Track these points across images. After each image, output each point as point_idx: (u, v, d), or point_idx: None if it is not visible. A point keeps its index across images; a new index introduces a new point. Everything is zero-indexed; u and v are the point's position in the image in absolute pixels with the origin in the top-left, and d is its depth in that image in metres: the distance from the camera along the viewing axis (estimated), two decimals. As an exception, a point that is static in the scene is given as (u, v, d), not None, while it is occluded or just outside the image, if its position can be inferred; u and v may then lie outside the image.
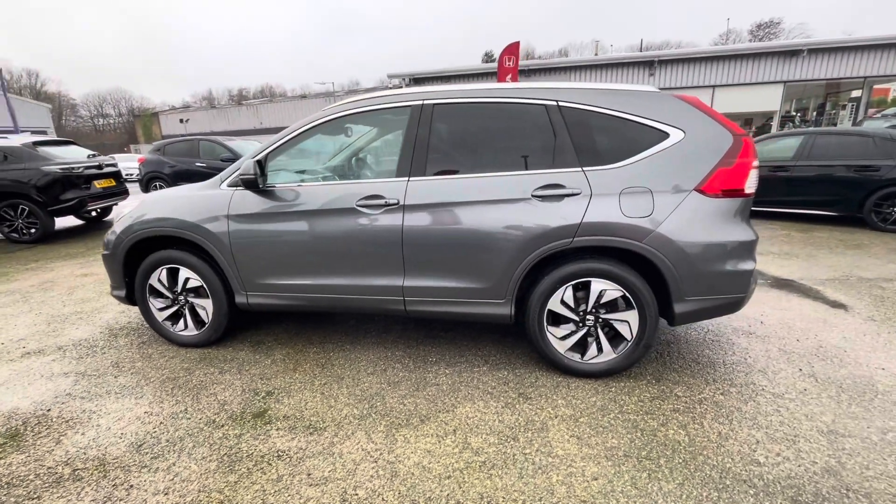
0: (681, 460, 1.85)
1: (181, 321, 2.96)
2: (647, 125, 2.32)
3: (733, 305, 2.38)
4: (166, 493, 1.73)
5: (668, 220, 2.24)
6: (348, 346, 2.98)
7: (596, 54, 30.64)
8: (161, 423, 2.19)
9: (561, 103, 2.39)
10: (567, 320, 2.47)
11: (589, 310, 2.42)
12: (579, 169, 2.33)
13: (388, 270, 2.56)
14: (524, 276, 2.41)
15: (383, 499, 1.69)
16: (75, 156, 6.84)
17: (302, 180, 2.78)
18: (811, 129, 7.46)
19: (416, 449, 1.96)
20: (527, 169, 2.41)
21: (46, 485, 1.80)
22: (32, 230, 6.38)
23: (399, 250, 2.51)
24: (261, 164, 2.59)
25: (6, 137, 6.53)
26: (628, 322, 2.39)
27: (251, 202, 2.66)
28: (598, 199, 2.29)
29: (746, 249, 2.31)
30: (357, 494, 1.71)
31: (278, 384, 2.52)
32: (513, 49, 16.81)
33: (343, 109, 2.65)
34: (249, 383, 2.53)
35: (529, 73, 22.61)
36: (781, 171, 6.62)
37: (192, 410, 2.28)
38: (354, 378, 2.57)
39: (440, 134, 2.53)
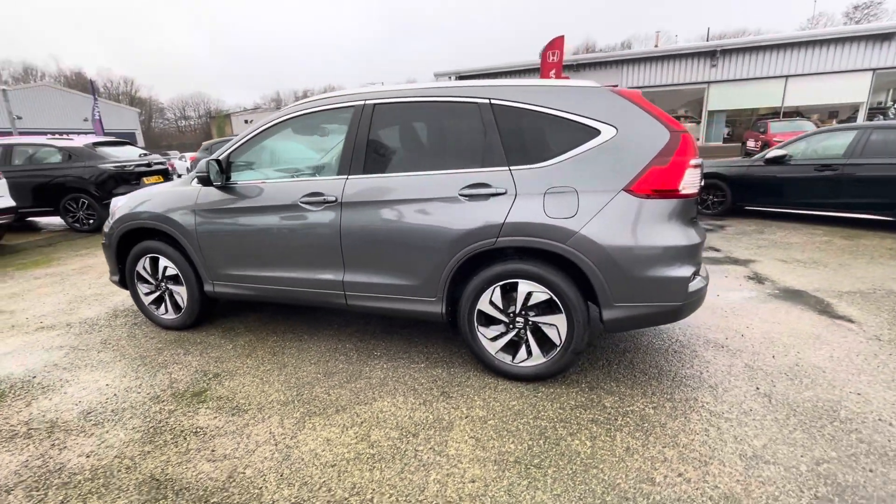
0: (570, 472, 1.79)
1: (163, 305, 3.26)
2: (577, 122, 2.23)
3: (669, 315, 2.23)
4: (88, 456, 1.95)
5: (593, 221, 2.14)
6: (305, 336, 3.13)
7: (656, 45, 28.88)
8: (115, 395, 2.45)
9: (493, 101, 2.36)
10: (497, 321, 2.44)
11: (518, 312, 2.37)
12: (506, 168, 2.29)
13: (329, 265, 2.66)
14: (453, 275, 2.41)
15: (265, 479, 1.79)
16: (129, 155, 7.66)
17: (266, 177, 2.95)
18: (866, 123, 6.61)
19: (318, 437, 2.05)
20: (459, 168, 2.40)
21: (3, 439, 2.09)
22: (91, 221, 7.23)
23: (338, 246, 2.60)
24: (219, 163, 2.79)
25: (71, 139, 7.44)
26: (556, 326, 2.31)
27: (213, 197, 2.87)
28: (523, 199, 2.24)
29: (681, 254, 2.15)
30: (244, 473, 1.83)
31: (228, 367, 2.71)
32: (556, 44, 16.31)
33: (297, 110, 2.79)
34: (204, 365, 2.75)
35: (578, 67, 21.88)
36: (829, 171, 5.95)
37: (145, 386, 2.53)
38: (296, 367, 2.70)
39: (378, 133, 2.58)
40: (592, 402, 2.26)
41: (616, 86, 2.33)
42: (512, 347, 2.44)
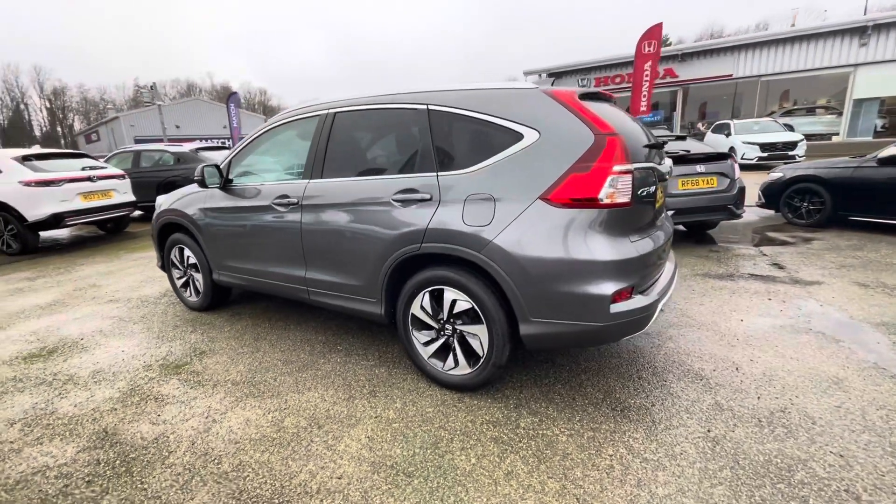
0: (434, 485, 1.76)
1: (188, 289, 3.81)
2: (503, 126, 2.13)
3: (590, 337, 2.02)
4: (74, 406, 2.43)
5: (507, 230, 2.04)
6: (292, 326, 3.42)
7: (793, 25, 24.81)
8: (122, 360, 2.96)
9: (430, 107, 2.36)
10: (429, 327, 2.44)
11: (446, 319, 2.35)
12: (434, 174, 2.28)
13: (294, 262, 2.90)
14: (388, 278, 2.47)
15: (179, 444, 2.06)
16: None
17: (254, 181, 3.29)
18: None
19: (241, 417, 2.27)
20: (397, 173, 2.45)
21: (34, 384, 2.68)
22: (192, 214, 8.61)
23: (300, 244, 2.82)
24: (218, 168, 3.19)
25: (181, 146, 8.91)
26: (479, 337, 2.25)
27: (216, 198, 3.29)
28: (445, 205, 2.21)
29: (602, 270, 1.94)
30: (167, 437, 2.12)
31: (214, 347, 3.10)
32: (653, 33, 14.94)
33: (279, 120, 3.08)
34: (198, 343, 3.18)
35: (684, 57, 19.80)
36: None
37: (146, 355, 3.02)
38: (266, 353, 2.99)
39: (336, 140, 2.73)
40: (508, 420, 2.15)
41: (559, 87, 2.18)
42: (443, 354, 2.42)
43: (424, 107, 2.38)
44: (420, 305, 2.40)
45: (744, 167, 12.89)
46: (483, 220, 2.10)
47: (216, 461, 1.95)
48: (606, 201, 1.93)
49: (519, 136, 2.09)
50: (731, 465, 1.79)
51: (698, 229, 6.20)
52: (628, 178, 1.95)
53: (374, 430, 2.11)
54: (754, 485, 1.69)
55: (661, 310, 2.28)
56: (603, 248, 1.95)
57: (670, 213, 5.02)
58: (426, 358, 2.47)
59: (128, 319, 3.70)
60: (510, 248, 2.03)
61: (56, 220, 6.34)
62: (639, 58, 15.01)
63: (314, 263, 2.80)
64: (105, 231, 8.20)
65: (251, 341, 3.17)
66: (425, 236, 2.25)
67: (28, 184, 6.22)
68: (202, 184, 3.20)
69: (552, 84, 22.10)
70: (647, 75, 14.73)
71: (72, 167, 6.78)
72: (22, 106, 63.45)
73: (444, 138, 2.30)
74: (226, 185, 3.24)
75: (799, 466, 1.77)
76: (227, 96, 22.91)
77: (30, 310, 4.06)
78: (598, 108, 2.11)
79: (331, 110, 2.77)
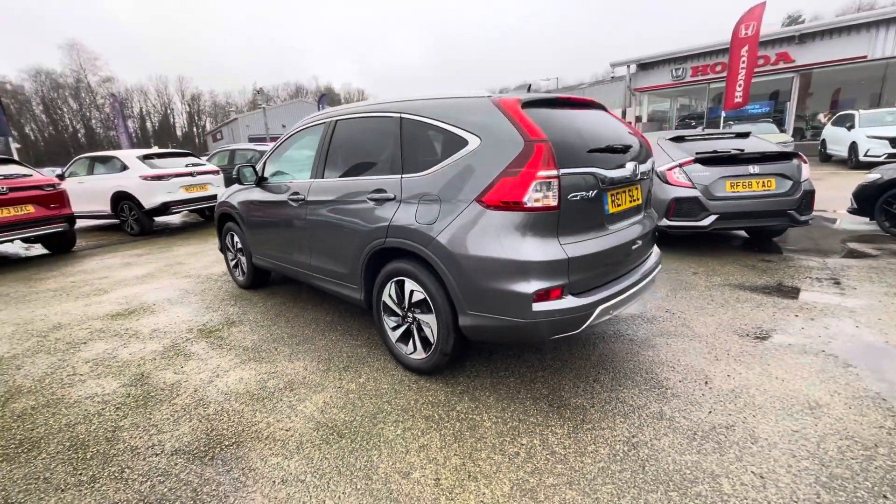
0: (355, 447, 2.03)
1: (238, 269, 4.51)
2: (454, 133, 2.32)
3: (516, 332, 2.14)
4: (129, 354, 3.11)
5: (447, 229, 2.23)
6: (310, 307, 3.90)
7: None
8: (175, 322, 3.67)
9: (402, 115, 2.61)
10: (396, 314, 2.70)
11: (407, 307, 2.60)
12: (399, 176, 2.54)
13: (303, 250, 3.34)
14: (365, 268, 2.78)
15: (185, 390, 2.59)
16: (302, 156, 10.00)
17: (284, 180, 3.80)
18: None
19: (239, 375, 2.75)
20: (373, 174, 2.74)
21: (110, 335, 3.46)
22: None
23: (306, 235, 3.25)
24: (253, 167, 3.75)
25: (267, 144, 10.11)
26: (430, 326, 2.46)
27: (253, 192, 3.87)
28: (404, 204, 2.46)
29: (525, 269, 2.04)
30: (180, 384, 2.67)
31: (244, 319, 3.68)
32: (754, 14, 13.29)
33: (300, 125, 3.54)
34: (233, 314, 3.79)
35: (803, 38, 17.28)
36: None
37: (191, 321, 3.69)
38: (280, 327, 3.48)
39: (335, 144, 3.10)
40: (447, 403, 2.35)
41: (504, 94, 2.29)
42: (406, 338, 2.68)
43: (399, 115, 2.63)
44: (388, 294, 2.68)
45: (865, 166, 11.03)
46: (430, 218, 2.31)
47: (205, 405, 2.43)
48: (532, 205, 2.03)
49: (465, 143, 2.26)
50: (633, 469, 1.82)
51: (760, 236, 5.61)
52: (555, 182, 2.02)
53: (333, 398, 2.45)
54: (646, 489, 1.71)
55: (611, 314, 2.30)
56: (527, 249, 2.05)
57: (712, 217, 4.68)
58: (394, 341, 2.75)
59: (191, 292, 4.49)
60: (449, 245, 2.22)
61: (164, 208, 7.70)
62: (735, 43, 13.49)
63: (315, 252, 3.21)
64: (204, 218, 9.68)
65: (273, 317, 3.71)
66: (388, 232, 2.52)
67: (146, 178, 7.62)
68: (238, 181, 3.80)
69: (633, 73, 20.37)
70: (744, 62, 13.22)
71: (178, 164, 8.15)
72: (168, 110, 75.27)
73: (410, 144, 2.54)
74: (260, 181, 3.80)
75: (706, 480, 1.74)
76: (319, 97, 25.01)
77: (129, 279, 5.09)
78: (540, 115, 2.19)
79: (334, 118, 3.14)
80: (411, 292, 2.52)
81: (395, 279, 2.61)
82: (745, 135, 5.58)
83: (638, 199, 2.64)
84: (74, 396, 2.59)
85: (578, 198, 2.12)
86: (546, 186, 2.02)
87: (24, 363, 3.05)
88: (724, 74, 18.51)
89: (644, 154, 2.69)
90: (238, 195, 4.14)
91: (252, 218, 3.92)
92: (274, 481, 1.85)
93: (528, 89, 2.80)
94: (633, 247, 2.46)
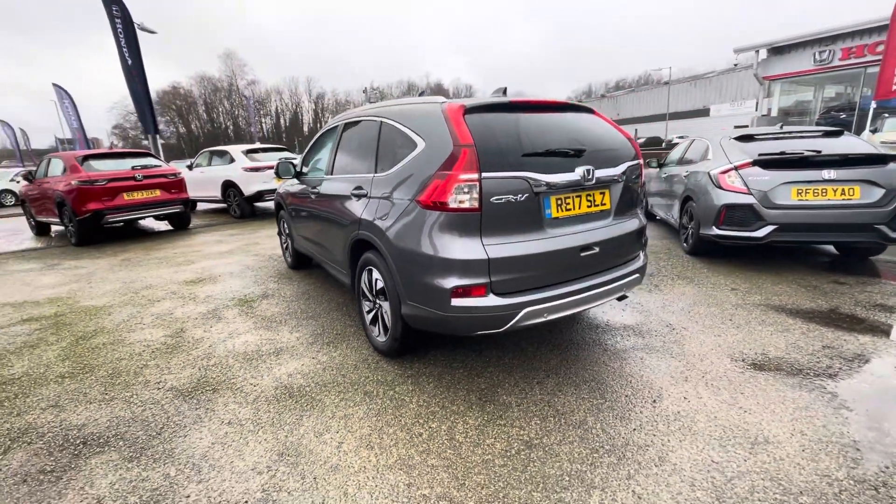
0: (299, 407, 2.38)
1: (287, 251, 5.19)
2: (410, 137, 2.52)
3: (442, 323, 2.28)
4: (182, 313, 3.87)
5: (394, 225, 2.46)
6: (335, 288, 4.38)
7: None
8: (224, 292, 4.41)
9: (382, 119, 2.87)
10: (369, 298, 2.99)
11: (375, 294, 2.87)
12: (372, 175, 2.80)
13: (318, 237, 3.80)
14: (349, 255, 3.11)
15: (205, 344, 3.19)
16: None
17: (311, 175, 4.28)
18: None
19: (247, 339, 3.29)
20: (360, 173, 3.05)
21: (178, 297, 4.31)
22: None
23: (319, 225, 3.70)
24: (292, 163, 4.31)
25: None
26: (387, 312, 2.70)
27: (294, 185, 4.45)
28: (372, 200, 2.73)
29: (446, 266, 2.18)
30: (204, 340, 3.29)
31: (277, 294, 4.29)
32: (923, -18, 10.64)
33: (326, 127, 3.98)
34: (270, 289, 4.43)
35: None
36: None
37: (238, 291, 4.40)
38: (300, 304, 4.00)
39: (341, 145, 3.47)
40: (392, 383, 2.58)
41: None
42: (375, 322, 2.95)
43: (379, 119, 2.90)
44: (364, 281, 2.98)
45: None
46: (384, 214, 2.55)
47: (209, 358, 2.98)
48: (454, 206, 2.15)
49: (416, 146, 2.44)
50: (514, 466, 1.87)
51: (851, 253, 4.74)
52: (475, 185, 2.11)
53: (304, 366, 2.83)
54: (513, 485, 1.77)
55: (546, 317, 2.31)
56: (449, 247, 2.18)
57: (768, 228, 4.14)
58: (367, 324, 3.04)
59: (251, 268, 5.30)
60: (394, 239, 2.43)
61: (259, 195, 8.99)
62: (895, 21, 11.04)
63: (323, 240, 3.64)
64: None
65: (299, 294, 4.26)
66: (360, 225, 2.81)
67: (247, 169, 8.96)
68: (277, 175, 4.40)
69: (764, 59, 17.73)
70: (902, 42, 10.80)
71: (273, 158, 9.39)
72: (297, 109, 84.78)
73: (384, 146, 2.79)
74: (298, 175, 4.36)
75: (578, 489, 1.74)
76: (419, 94, 26.04)
77: (213, 254, 6.15)
78: (482, 121, 2.27)
79: (343, 121, 3.52)
80: (376, 280, 2.78)
81: (367, 268, 2.89)
82: (837, 133, 4.74)
83: (604, 205, 2.55)
84: (131, 340, 3.35)
85: (503, 201, 2.17)
86: (467, 189, 2.12)
87: (113, 311, 3.99)
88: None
89: (617, 158, 2.58)
90: (286, 186, 4.78)
91: (291, 207, 4.51)
92: (222, 421, 2.27)
93: (504, 92, 2.85)
94: (585, 253, 2.41)
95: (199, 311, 3.92)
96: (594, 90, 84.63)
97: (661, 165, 6.69)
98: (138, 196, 7.17)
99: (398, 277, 2.44)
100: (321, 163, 4.05)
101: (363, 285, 2.99)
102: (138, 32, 9.81)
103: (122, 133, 67.94)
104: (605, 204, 2.56)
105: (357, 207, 2.88)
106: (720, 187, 4.52)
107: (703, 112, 41.74)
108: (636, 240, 2.76)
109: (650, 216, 7.31)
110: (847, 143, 4.52)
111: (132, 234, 8.20)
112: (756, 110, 23.48)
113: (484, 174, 2.13)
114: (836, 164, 4.10)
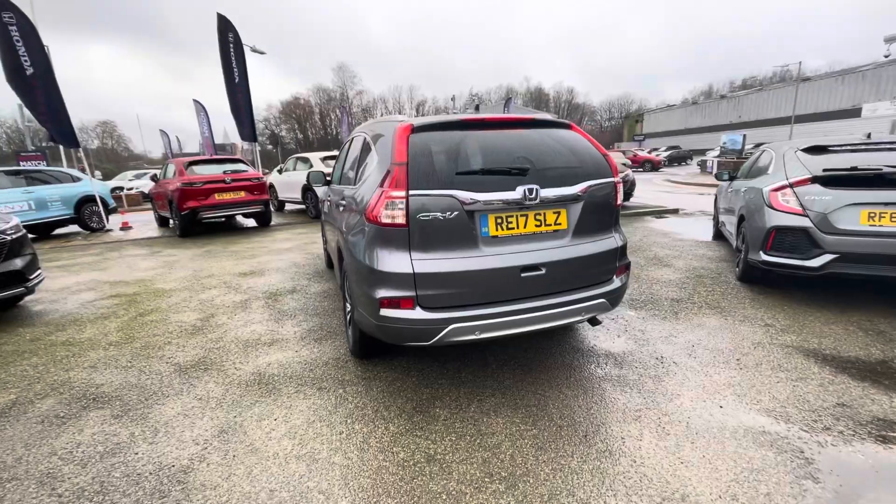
0: (264, 391, 2.68)
1: (325, 252, 5.68)
2: (373, 154, 2.70)
3: (376, 331, 2.41)
4: (221, 301, 4.48)
5: (351, 234, 2.67)
6: (350, 288, 4.70)
7: None
8: (263, 285, 4.99)
9: (365, 136, 3.09)
10: (346, 300, 3.21)
11: (348, 297, 3.08)
12: (355, 187, 3.02)
13: (328, 240, 4.13)
14: (338, 260, 3.37)
15: (221, 328, 3.69)
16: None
17: (335, 184, 4.63)
18: None
19: (255, 328, 3.72)
20: (348, 185, 3.28)
21: (225, 287, 4.99)
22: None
23: (328, 229, 4.03)
24: (322, 173, 4.73)
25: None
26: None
27: (326, 192, 4.88)
28: (348, 210, 2.95)
29: (376, 277, 2.30)
30: (225, 326, 3.80)
31: (303, 291, 4.74)
32: None
33: (347, 139, 4.31)
34: (299, 286, 4.90)
35: None
36: None
37: (272, 286, 4.94)
38: (318, 302, 4.38)
39: (347, 158, 3.74)
40: (347, 383, 2.76)
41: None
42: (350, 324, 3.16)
43: (363, 135, 3.11)
44: (346, 285, 3.21)
45: None
46: (350, 225, 2.75)
47: (217, 342, 3.45)
48: (386, 221, 2.26)
49: (374, 163, 2.60)
50: (402, 476, 1.93)
51: (956, 294, 3.80)
52: (402, 202, 2.20)
53: (285, 358, 3.14)
54: (383, 492, 1.83)
55: (477, 335, 2.32)
56: (380, 259, 2.30)
57: (826, 257, 3.54)
58: (348, 322, 3.26)
59: (297, 265, 5.89)
60: (348, 248, 2.64)
61: (330, 199, 9.84)
62: None
63: (329, 242, 3.96)
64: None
65: (320, 293, 4.65)
66: (342, 233, 3.05)
67: (322, 174, 9.86)
68: (308, 183, 4.84)
69: None
70: None
71: (345, 164, 10.20)
72: (400, 116, 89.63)
73: (362, 161, 2.99)
74: (328, 183, 4.76)
75: (429, 502, 1.74)
76: (505, 101, 26.07)
77: (274, 250, 6.92)
78: (425, 139, 2.35)
79: (352, 136, 3.80)
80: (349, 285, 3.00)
81: (344, 273, 3.12)
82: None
83: (560, 225, 2.46)
84: (172, 320, 4.00)
85: (430, 218, 2.22)
86: (395, 205, 2.22)
87: (173, 294, 4.76)
88: None
89: (576, 176, 2.46)
90: (322, 192, 5.24)
91: (324, 211, 4.94)
92: (195, 396, 2.65)
93: (476, 108, 2.89)
94: (527, 274, 2.34)
95: (234, 300, 4.50)
96: (715, 89, 76.11)
97: (731, 178, 5.95)
98: (227, 196, 8.34)
99: (350, 284, 2.62)
100: (336, 174, 4.40)
101: (346, 290, 3.22)
102: (247, 52, 11.37)
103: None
104: (560, 224, 2.45)
105: (342, 216, 3.12)
106: (771, 207, 3.93)
107: (853, 112, 35.34)
108: (605, 263, 2.59)
109: (719, 236, 6.55)
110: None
111: (223, 229, 9.54)
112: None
113: (412, 191, 2.21)
114: (923, 183, 3.35)
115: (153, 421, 2.42)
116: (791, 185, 3.83)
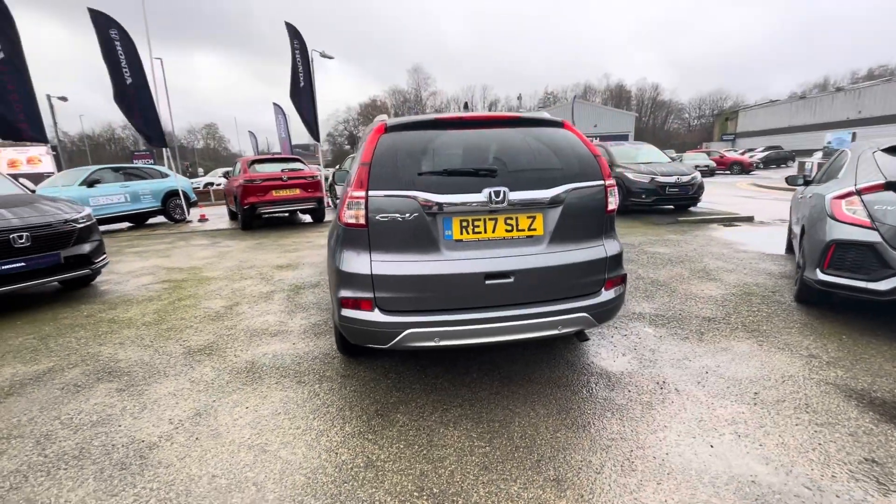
0: (244, 380, 2.82)
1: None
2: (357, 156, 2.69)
3: (341, 330, 2.41)
4: (249, 289, 4.80)
5: (331, 231, 2.69)
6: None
7: None
8: (289, 279, 5.25)
9: (361, 136, 3.11)
10: (343, 300, 3.27)
11: (340, 296, 3.14)
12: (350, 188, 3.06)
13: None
14: (339, 258, 3.44)
15: (237, 315, 3.94)
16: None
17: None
18: None
19: (266, 318, 3.93)
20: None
21: (259, 277, 5.33)
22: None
23: (343, 228, 4.14)
24: (347, 171, 4.86)
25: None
26: (337, 314, 2.95)
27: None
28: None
29: (340, 277, 2.32)
30: (244, 313, 4.06)
31: (326, 286, 4.92)
32: None
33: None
34: (324, 279, 5.09)
35: None
36: None
37: (298, 280, 5.19)
38: (329, 298, 4.52)
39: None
40: (326, 379, 2.81)
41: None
42: (343, 322, 3.22)
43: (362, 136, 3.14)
44: (339, 282, 3.27)
45: None
46: (333, 223, 2.79)
47: (230, 329, 3.69)
48: (349, 221, 2.26)
49: (355, 162, 2.61)
50: (341, 479, 1.91)
51: None
52: (362, 202, 2.17)
53: (281, 349, 3.28)
54: (317, 495, 1.82)
55: (437, 342, 2.24)
56: (343, 259, 2.31)
57: None
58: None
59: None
60: (328, 246, 2.66)
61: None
62: None
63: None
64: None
65: (340, 287, 4.79)
66: (333, 233, 3.11)
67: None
68: (334, 183, 5.00)
69: None
70: None
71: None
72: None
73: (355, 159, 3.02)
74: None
75: (365, 520, 1.69)
76: (573, 99, 25.03)
77: (315, 245, 7.27)
78: (395, 139, 2.32)
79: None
80: (337, 284, 3.05)
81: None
82: None
83: (534, 230, 2.29)
84: (202, 305, 4.35)
85: (388, 219, 2.18)
86: (356, 205, 2.21)
87: (213, 283, 5.19)
88: None
89: (554, 179, 2.27)
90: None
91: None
92: (189, 379, 2.86)
93: (465, 107, 2.77)
94: (491, 281, 2.21)
95: (262, 290, 4.79)
96: (833, 81, 66.55)
97: (807, 183, 5.18)
98: (283, 193, 8.91)
99: (333, 283, 2.66)
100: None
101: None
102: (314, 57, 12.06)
103: (331, 140, 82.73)
104: (535, 230, 2.28)
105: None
106: (833, 217, 3.35)
107: None
108: (588, 273, 2.37)
109: (792, 248, 5.72)
110: None
111: (282, 224, 10.21)
112: None
113: (371, 192, 2.19)
114: None
115: (146, 398, 2.64)
116: (858, 193, 3.23)
